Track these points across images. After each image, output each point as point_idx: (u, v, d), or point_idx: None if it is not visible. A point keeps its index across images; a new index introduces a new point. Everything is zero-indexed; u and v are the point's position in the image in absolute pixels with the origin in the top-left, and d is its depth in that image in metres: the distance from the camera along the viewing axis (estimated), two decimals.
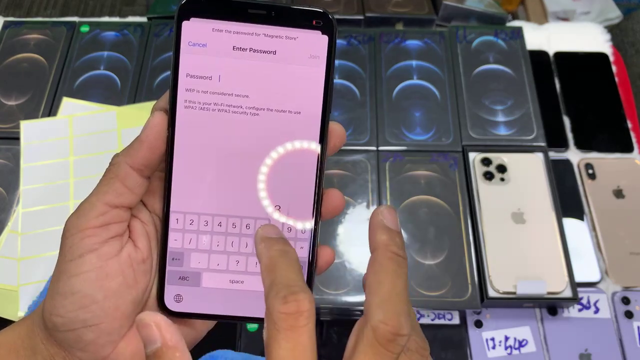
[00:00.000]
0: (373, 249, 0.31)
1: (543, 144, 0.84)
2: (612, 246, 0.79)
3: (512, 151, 0.83)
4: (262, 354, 0.68)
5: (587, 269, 0.78)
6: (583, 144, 0.88)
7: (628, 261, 0.78)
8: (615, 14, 1.43)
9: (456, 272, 0.75)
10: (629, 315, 0.75)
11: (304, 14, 0.35)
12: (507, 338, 0.74)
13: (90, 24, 0.95)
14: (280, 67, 0.35)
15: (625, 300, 0.75)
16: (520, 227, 0.78)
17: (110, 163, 0.34)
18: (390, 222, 0.31)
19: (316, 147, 0.36)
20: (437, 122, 0.86)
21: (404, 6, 1.01)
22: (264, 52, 0.35)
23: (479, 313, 0.75)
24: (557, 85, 0.93)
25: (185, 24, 0.35)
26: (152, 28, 0.95)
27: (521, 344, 0.73)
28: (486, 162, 0.82)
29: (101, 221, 0.33)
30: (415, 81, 0.89)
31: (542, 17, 1.32)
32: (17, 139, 0.84)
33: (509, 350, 0.73)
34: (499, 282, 0.73)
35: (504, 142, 0.84)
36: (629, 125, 0.90)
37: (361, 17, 0.99)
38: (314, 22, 0.35)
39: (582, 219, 0.82)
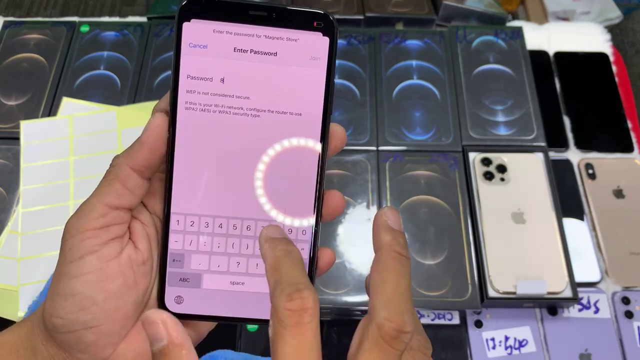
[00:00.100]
0: (377, 249, 0.31)
1: (543, 144, 0.84)
2: (612, 246, 0.79)
3: (512, 151, 0.83)
4: (262, 354, 0.68)
5: (587, 269, 0.78)
6: (583, 144, 0.88)
7: (628, 261, 0.78)
8: (615, 14, 1.43)
9: (456, 272, 0.75)
10: (629, 315, 0.75)
11: (305, 16, 0.35)
12: (507, 338, 0.74)
13: (90, 24, 0.95)
14: (281, 68, 0.35)
15: (625, 300, 0.75)
16: (520, 227, 0.78)
17: (110, 164, 0.34)
18: (394, 223, 0.32)
19: (317, 149, 0.36)
20: (437, 122, 0.86)
21: (404, 6, 1.01)
22: (265, 53, 0.35)
23: (479, 313, 0.75)
24: (557, 85, 0.93)
25: (186, 25, 0.35)
26: (152, 28, 0.95)
27: (521, 344, 0.73)
28: (486, 162, 0.82)
29: (101, 223, 0.33)
30: (415, 81, 0.89)
31: (542, 17, 1.32)
32: (17, 139, 0.84)
33: (509, 350, 0.73)
34: (499, 282, 0.73)
35: (504, 142, 0.84)
36: (629, 125, 0.90)
37: (361, 17, 0.99)
38: (315, 24, 0.35)
39: (582, 219, 0.82)
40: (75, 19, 0.97)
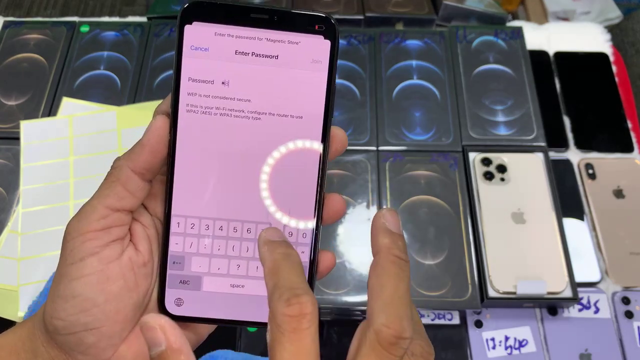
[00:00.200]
0: (375, 252, 0.31)
1: (543, 144, 0.84)
2: (612, 246, 0.79)
3: (512, 151, 0.83)
4: (262, 354, 0.68)
5: (587, 269, 0.78)
6: (583, 144, 0.88)
7: (628, 261, 0.78)
8: (615, 14, 1.43)
9: (456, 272, 0.75)
10: (629, 315, 0.75)
11: (306, 19, 0.35)
12: (507, 338, 0.74)
13: (90, 24, 0.95)
14: (282, 71, 0.35)
15: (625, 300, 0.75)
16: (520, 227, 0.78)
17: (111, 166, 0.34)
18: (393, 225, 0.31)
19: (318, 152, 0.36)
20: (437, 122, 0.86)
21: (404, 6, 1.01)
22: (266, 56, 0.35)
23: (479, 313, 0.75)
24: (557, 85, 0.93)
25: (187, 28, 0.35)
26: (152, 28, 0.95)
27: (521, 344, 0.73)
28: (486, 162, 0.82)
29: (102, 224, 0.33)
30: (415, 81, 0.89)
31: (542, 17, 1.32)
32: (17, 139, 0.83)
33: (509, 350, 0.73)
34: (499, 282, 0.73)
35: (504, 142, 0.84)
36: (629, 125, 0.90)
37: (361, 17, 0.99)
38: (316, 27, 0.35)
39: (582, 219, 0.82)
40: (75, 19, 0.97)
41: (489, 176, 0.81)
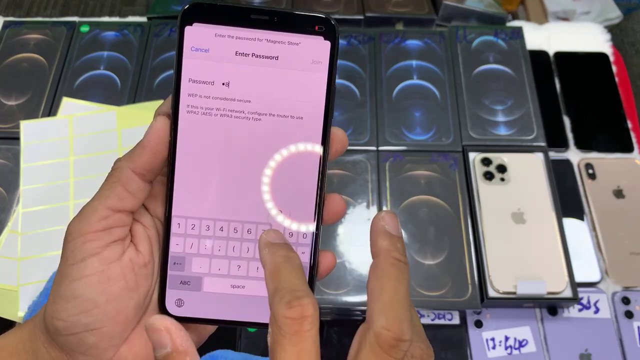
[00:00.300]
0: (375, 254, 0.31)
1: (543, 144, 0.84)
2: (612, 246, 0.79)
3: (512, 151, 0.83)
4: (262, 354, 0.68)
5: (587, 269, 0.78)
6: (583, 144, 0.88)
7: (628, 261, 0.78)
8: (615, 14, 1.42)
9: (456, 272, 0.75)
10: (629, 315, 0.75)
11: (306, 20, 0.35)
12: (507, 338, 0.74)
13: (90, 24, 0.95)
14: (282, 72, 0.35)
15: (625, 300, 0.76)
16: (520, 227, 0.78)
17: (112, 167, 0.34)
18: (392, 228, 0.32)
19: (318, 153, 0.36)
20: (437, 122, 0.86)
21: (404, 6, 1.01)
22: (267, 57, 0.35)
23: (479, 313, 0.75)
24: (557, 85, 0.94)
25: (188, 29, 0.35)
26: (152, 28, 0.95)
27: (521, 344, 0.73)
28: (486, 162, 0.82)
29: (103, 225, 0.33)
30: (415, 81, 0.89)
31: (542, 17, 1.32)
32: (17, 139, 0.84)
33: (509, 350, 0.73)
34: (499, 282, 0.73)
35: (504, 142, 0.84)
36: (629, 125, 0.90)
37: (361, 17, 0.99)
38: (316, 28, 0.35)
39: (582, 219, 0.82)
40: (75, 19, 0.97)
41: (489, 176, 0.81)
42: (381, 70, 0.90)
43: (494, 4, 1.04)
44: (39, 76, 0.90)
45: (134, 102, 0.87)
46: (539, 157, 0.83)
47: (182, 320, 0.36)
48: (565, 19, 1.34)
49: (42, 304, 0.70)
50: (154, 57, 0.92)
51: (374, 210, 0.78)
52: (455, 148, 0.84)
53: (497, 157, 0.82)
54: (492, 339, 0.74)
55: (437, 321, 0.75)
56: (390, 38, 0.93)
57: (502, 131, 0.85)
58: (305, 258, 0.36)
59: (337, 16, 0.99)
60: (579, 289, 0.74)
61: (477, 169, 0.81)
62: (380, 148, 0.83)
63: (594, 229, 0.81)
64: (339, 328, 0.75)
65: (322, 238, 0.38)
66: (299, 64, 0.35)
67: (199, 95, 0.35)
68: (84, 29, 0.95)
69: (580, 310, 0.76)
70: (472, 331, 0.74)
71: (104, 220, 0.33)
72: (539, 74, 0.92)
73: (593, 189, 0.84)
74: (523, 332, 0.74)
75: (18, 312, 0.72)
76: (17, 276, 0.73)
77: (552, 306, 0.75)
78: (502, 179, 0.81)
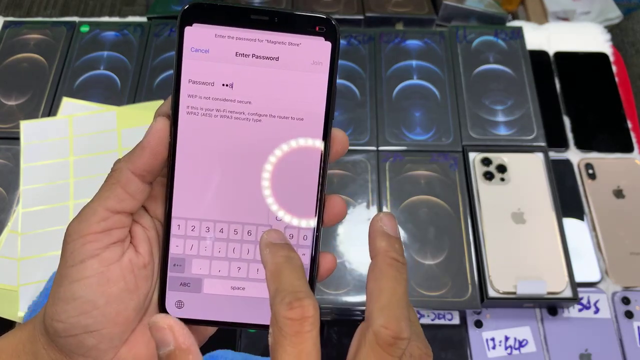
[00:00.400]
0: (373, 255, 0.31)
1: (543, 144, 0.84)
2: (612, 246, 0.79)
3: (512, 151, 0.83)
4: (262, 354, 0.68)
5: (587, 269, 0.78)
6: (583, 144, 0.88)
7: (628, 261, 0.78)
8: (615, 14, 1.42)
9: (456, 272, 0.75)
10: (629, 315, 0.75)
11: (307, 20, 0.35)
12: (507, 338, 0.74)
13: (90, 24, 0.95)
14: (283, 73, 0.35)
15: (625, 300, 0.76)
16: (520, 227, 0.78)
17: (112, 169, 0.34)
18: (390, 229, 0.32)
19: (318, 154, 0.36)
20: (437, 122, 0.86)
21: (404, 6, 1.01)
22: (267, 58, 0.35)
23: (479, 313, 0.75)
24: (557, 85, 0.94)
25: (187, 29, 0.35)
26: (152, 28, 0.95)
27: (521, 344, 0.73)
28: (486, 162, 0.82)
29: (103, 227, 0.33)
30: (415, 81, 0.89)
31: (542, 17, 1.32)
32: (17, 139, 0.84)
33: (509, 351, 0.73)
34: (499, 282, 0.73)
35: (504, 142, 0.84)
36: (629, 125, 0.90)
37: (361, 17, 0.99)
38: (317, 28, 0.35)
39: (582, 219, 0.82)
40: (75, 19, 0.97)
41: (489, 176, 0.81)
42: (381, 70, 0.90)
43: (494, 4, 1.04)
44: (39, 76, 0.90)
45: (134, 102, 0.87)
46: (539, 157, 0.83)
47: (182, 322, 0.36)
48: (565, 19, 1.34)
49: (42, 304, 0.70)
50: (154, 57, 0.92)
51: (374, 210, 0.78)
52: (455, 148, 0.84)
53: (497, 157, 0.82)
54: (492, 339, 0.74)
55: (437, 321, 0.75)
56: (390, 38, 0.93)
57: (502, 131, 0.85)
58: (305, 259, 0.36)
59: (337, 16, 0.99)
60: (579, 289, 0.74)
61: (477, 169, 0.81)
62: (380, 148, 0.83)
63: (594, 229, 0.81)
64: (339, 328, 0.75)
65: (322, 238, 0.38)
66: (300, 64, 0.35)
67: (199, 96, 0.35)
68: (84, 29, 0.95)
69: (580, 310, 0.76)
70: (472, 331, 0.74)
71: (103, 221, 0.33)
72: (539, 74, 0.92)
73: (593, 189, 0.84)
74: (523, 332, 0.74)
75: (18, 312, 0.72)
76: (17, 276, 0.73)
77: (552, 306, 0.75)
78: (502, 179, 0.81)
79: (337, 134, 0.37)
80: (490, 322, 0.75)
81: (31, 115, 0.86)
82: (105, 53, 0.92)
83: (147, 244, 0.36)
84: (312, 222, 0.36)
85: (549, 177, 0.81)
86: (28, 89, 0.89)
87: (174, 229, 0.36)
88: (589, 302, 0.76)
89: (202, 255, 0.36)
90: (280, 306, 0.27)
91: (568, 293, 0.73)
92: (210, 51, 0.35)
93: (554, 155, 0.86)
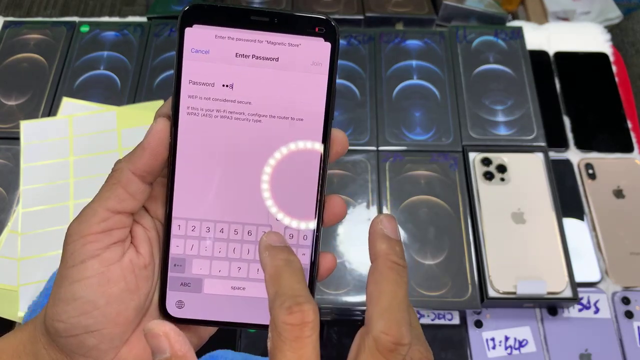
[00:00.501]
0: (373, 258, 0.31)
1: (543, 144, 0.84)
2: (612, 246, 0.79)
3: (512, 151, 0.83)
4: (262, 354, 0.68)
5: (587, 269, 0.78)
6: (583, 144, 0.88)
7: (628, 261, 0.78)
8: (615, 14, 1.42)
9: (456, 272, 0.75)
10: (629, 315, 0.75)
11: (306, 21, 0.35)
12: (507, 338, 0.74)
13: (90, 24, 0.95)
14: (282, 74, 0.35)
15: (625, 300, 0.76)
16: (520, 227, 0.78)
17: (112, 169, 0.34)
18: (390, 231, 0.31)
19: (318, 155, 0.36)
20: (437, 122, 0.86)
21: (404, 6, 1.01)
22: (267, 58, 0.35)
23: (479, 313, 0.75)
24: (557, 85, 0.93)
25: (188, 30, 0.35)
26: (152, 28, 0.95)
27: (521, 344, 0.73)
28: (486, 162, 0.82)
29: (103, 227, 0.33)
30: (415, 81, 0.89)
31: (542, 17, 1.31)
32: (17, 139, 0.83)
33: (509, 351, 0.73)
34: (499, 282, 0.73)
35: (504, 142, 0.84)
36: (629, 125, 0.90)
37: (361, 17, 0.99)
38: (316, 29, 0.35)
39: (582, 219, 0.82)
40: (75, 19, 0.97)
41: (489, 176, 0.81)
42: (381, 70, 0.90)
43: (494, 4, 1.04)
44: (39, 76, 0.90)
45: (134, 102, 0.87)
46: (539, 157, 0.83)
47: (182, 321, 0.36)
48: (565, 19, 1.34)
49: (42, 304, 0.70)
50: (154, 57, 0.91)
51: (374, 210, 0.78)
52: (455, 148, 0.84)
53: (497, 157, 0.82)
54: (492, 339, 0.74)
55: (437, 321, 0.75)
56: (390, 38, 0.93)
57: (502, 131, 0.85)
58: (305, 260, 0.36)
59: (337, 16, 0.99)
60: (579, 289, 0.74)
61: (477, 169, 0.81)
62: (380, 148, 0.83)
63: (594, 229, 0.81)
64: (339, 328, 0.75)
65: (322, 238, 0.38)
66: (299, 65, 0.35)
67: (199, 96, 0.35)
68: (84, 29, 0.95)
69: (580, 310, 0.76)
70: (472, 331, 0.74)
71: (103, 222, 0.33)
72: (539, 74, 0.92)
73: (593, 189, 0.84)
74: (523, 332, 0.74)
75: (18, 312, 0.72)
76: (17, 276, 0.73)
77: (552, 306, 0.75)
78: (502, 179, 0.81)
79: (337, 134, 0.37)
80: (490, 322, 0.75)
81: (31, 115, 0.86)
82: (105, 53, 0.92)
83: (148, 244, 0.36)
84: (312, 222, 0.36)
85: (549, 177, 0.81)
86: (28, 89, 0.89)
87: (174, 229, 0.36)
88: (589, 302, 0.76)
89: (203, 256, 0.36)
90: (280, 311, 0.27)
91: (568, 293, 0.73)
92: (211, 52, 0.35)
93: (554, 155, 0.86)
